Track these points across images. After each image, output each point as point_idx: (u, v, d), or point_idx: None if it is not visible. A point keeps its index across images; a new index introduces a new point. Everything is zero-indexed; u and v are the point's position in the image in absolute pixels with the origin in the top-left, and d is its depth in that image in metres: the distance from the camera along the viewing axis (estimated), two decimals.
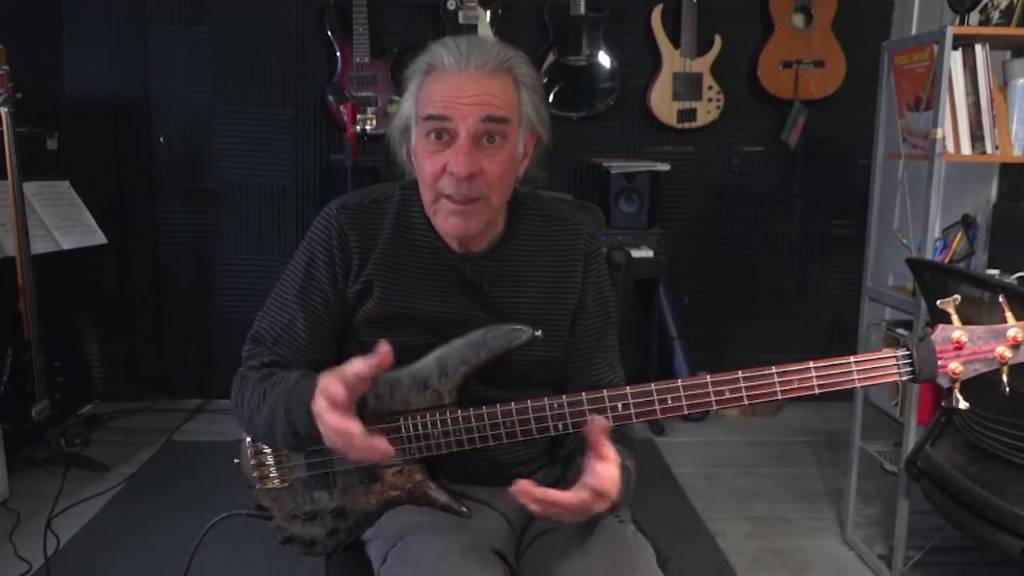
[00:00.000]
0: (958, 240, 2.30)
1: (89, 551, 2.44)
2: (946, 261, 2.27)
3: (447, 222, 1.20)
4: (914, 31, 3.51)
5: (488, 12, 3.53)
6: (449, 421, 1.18)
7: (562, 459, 1.34)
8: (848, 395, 2.56)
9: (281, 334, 1.26)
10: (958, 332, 1.08)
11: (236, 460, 1.33)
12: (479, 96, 1.13)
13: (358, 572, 1.29)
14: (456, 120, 1.13)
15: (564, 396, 1.16)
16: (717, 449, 3.33)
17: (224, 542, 1.47)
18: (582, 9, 3.56)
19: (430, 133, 1.16)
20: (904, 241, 2.31)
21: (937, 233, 2.29)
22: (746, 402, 1.11)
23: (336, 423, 1.05)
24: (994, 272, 2.25)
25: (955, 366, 1.08)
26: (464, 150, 1.13)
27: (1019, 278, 2.15)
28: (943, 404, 2.07)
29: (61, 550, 2.41)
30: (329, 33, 3.56)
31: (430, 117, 1.15)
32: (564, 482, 1.16)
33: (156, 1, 3.58)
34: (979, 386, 2.01)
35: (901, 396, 2.39)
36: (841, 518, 2.69)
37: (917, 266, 2.07)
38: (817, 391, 1.10)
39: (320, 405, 1.07)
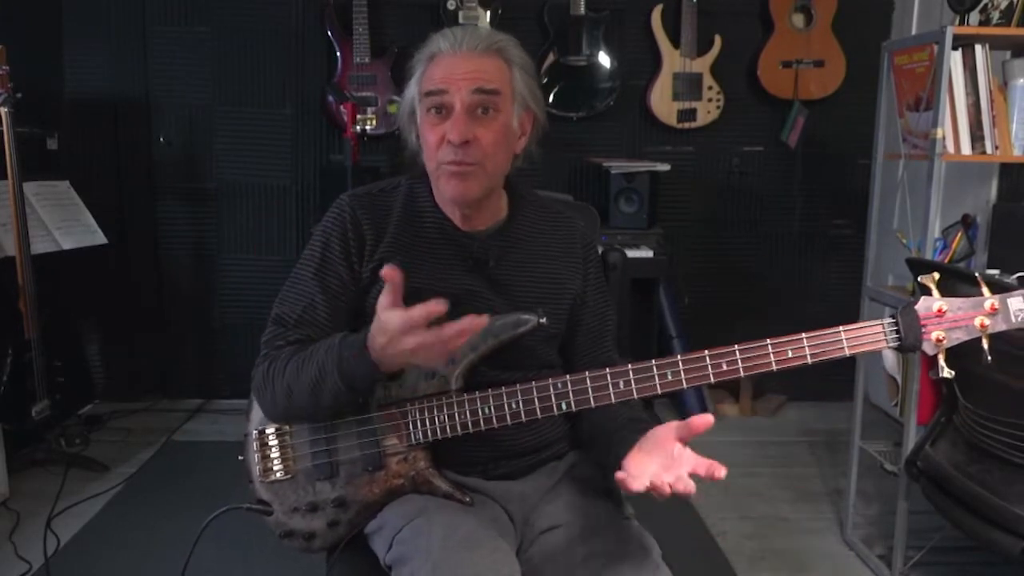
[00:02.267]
0: (958, 240, 2.30)
1: (89, 551, 2.44)
2: (946, 261, 2.27)
3: (448, 185, 1.27)
4: (914, 31, 3.52)
5: (488, 12, 3.54)
6: (455, 404, 1.22)
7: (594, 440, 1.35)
8: (848, 394, 2.57)
9: (303, 315, 1.29)
10: (939, 302, 1.15)
11: (240, 457, 1.34)
12: (471, 72, 1.24)
13: (360, 570, 1.29)
14: (452, 93, 1.24)
15: (567, 375, 1.19)
16: (717, 449, 3.29)
17: (224, 540, 1.47)
18: (582, 9, 3.56)
19: (431, 109, 1.26)
20: (904, 241, 2.31)
21: (937, 233, 2.29)
22: (742, 374, 1.16)
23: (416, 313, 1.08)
24: (994, 272, 2.25)
25: (938, 334, 1.14)
26: (459, 120, 1.23)
27: (1019, 278, 2.15)
28: (950, 414, 2.07)
29: (61, 550, 2.41)
30: (329, 33, 3.57)
31: (430, 93, 1.26)
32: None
33: (156, 1, 3.58)
34: (979, 386, 2.01)
35: (901, 396, 2.39)
36: (841, 518, 2.69)
37: (917, 266, 2.07)
38: (810, 360, 1.14)
39: (393, 318, 1.09)
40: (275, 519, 1.31)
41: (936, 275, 1.17)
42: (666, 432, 1.13)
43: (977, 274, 1.18)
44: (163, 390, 3.79)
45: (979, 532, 1.87)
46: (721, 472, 1.05)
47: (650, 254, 3.38)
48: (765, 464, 3.23)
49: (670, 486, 1.05)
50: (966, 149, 2.18)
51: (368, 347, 1.15)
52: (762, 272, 3.93)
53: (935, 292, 1.16)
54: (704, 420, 1.09)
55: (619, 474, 1.09)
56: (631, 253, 3.31)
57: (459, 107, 1.23)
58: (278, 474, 1.30)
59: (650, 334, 3.64)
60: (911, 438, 2.26)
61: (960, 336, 1.14)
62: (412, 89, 1.30)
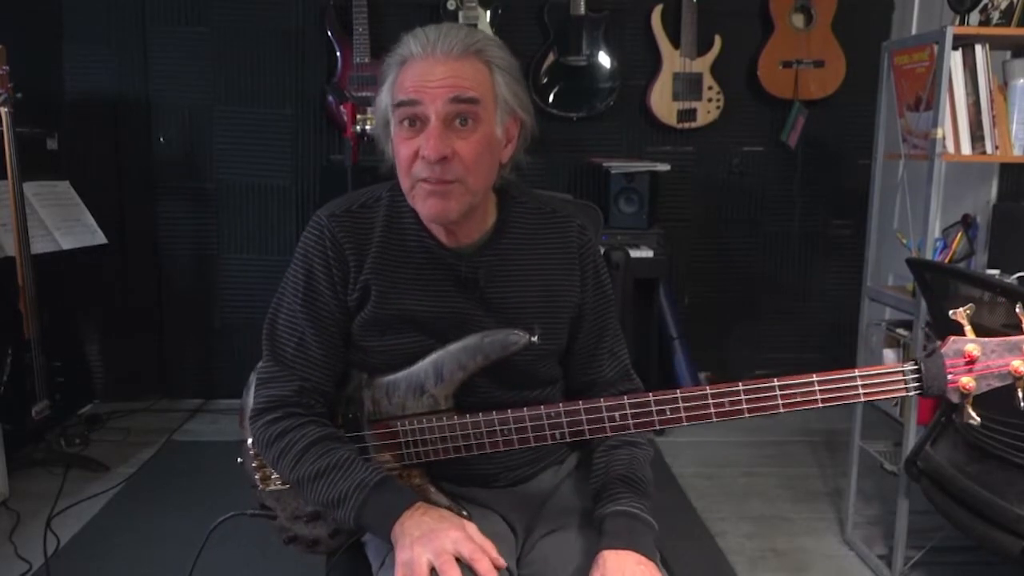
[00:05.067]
0: (958, 240, 2.30)
1: (89, 551, 2.44)
2: (946, 261, 2.27)
3: (426, 204, 1.16)
4: (914, 31, 3.52)
5: (488, 12, 3.54)
6: (446, 428, 1.18)
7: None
8: None
9: (297, 353, 1.23)
10: (971, 345, 1.02)
11: (239, 460, 1.33)
12: (447, 79, 1.12)
13: (358, 573, 1.29)
14: (426, 103, 1.12)
15: (561, 405, 1.15)
16: (717, 449, 3.33)
17: (226, 541, 1.47)
18: (582, 9, 3.56)
19: (403, 120, 1.14)
20: (904, 241, 2.31)
21: (937, 233, 2.29)
22: (747, 415, 1.08)
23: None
24: (994, 272, 2.25)
25: (966, 380, 1.02)
26: (434, 133, 1.11)
27: (1019, 278, 2.15)
28: (950, 414, 2.06)
29: (61, 550, 2.41)
30: (329, 33, 3.56)
31: (401, 103, 1.14)
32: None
33: (156, 1, 3.58)
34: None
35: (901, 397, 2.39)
36: (841, 518, 2.69)
37: (917, 266, 2.07)
38: (820, 404, 1.06)
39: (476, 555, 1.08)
40: (279, 524, 1.31)
41: (970, 309, 1.04)
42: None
43: (1019, 308, 1.03)
44: (163, 390, 3.79)
45: (979, 532, 1.87)
46: None
47: (650, 254, 3.38)
48: (765, 464, 3.23)
49: None
50: (966, 149, 2.18)
51: (399, 518, 1.11)
52: (762, 272, 3.93)
53: (967, 330, 1.02)
54: None
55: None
56: (631, 253, 3.31)
57: (434, 119, 1.11)
58: (277, 483, 1.29)
59: (650, 334, 3.64)
60: (911, 438, 2.26)
61: (992, 383, 1.02)
62: (384, 98, 1.17)
